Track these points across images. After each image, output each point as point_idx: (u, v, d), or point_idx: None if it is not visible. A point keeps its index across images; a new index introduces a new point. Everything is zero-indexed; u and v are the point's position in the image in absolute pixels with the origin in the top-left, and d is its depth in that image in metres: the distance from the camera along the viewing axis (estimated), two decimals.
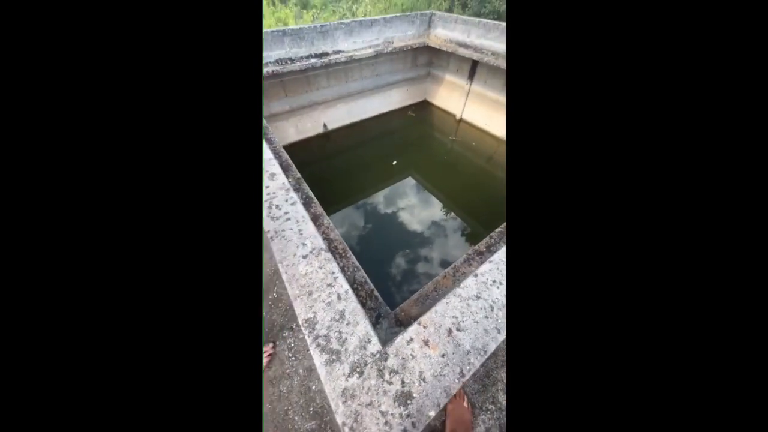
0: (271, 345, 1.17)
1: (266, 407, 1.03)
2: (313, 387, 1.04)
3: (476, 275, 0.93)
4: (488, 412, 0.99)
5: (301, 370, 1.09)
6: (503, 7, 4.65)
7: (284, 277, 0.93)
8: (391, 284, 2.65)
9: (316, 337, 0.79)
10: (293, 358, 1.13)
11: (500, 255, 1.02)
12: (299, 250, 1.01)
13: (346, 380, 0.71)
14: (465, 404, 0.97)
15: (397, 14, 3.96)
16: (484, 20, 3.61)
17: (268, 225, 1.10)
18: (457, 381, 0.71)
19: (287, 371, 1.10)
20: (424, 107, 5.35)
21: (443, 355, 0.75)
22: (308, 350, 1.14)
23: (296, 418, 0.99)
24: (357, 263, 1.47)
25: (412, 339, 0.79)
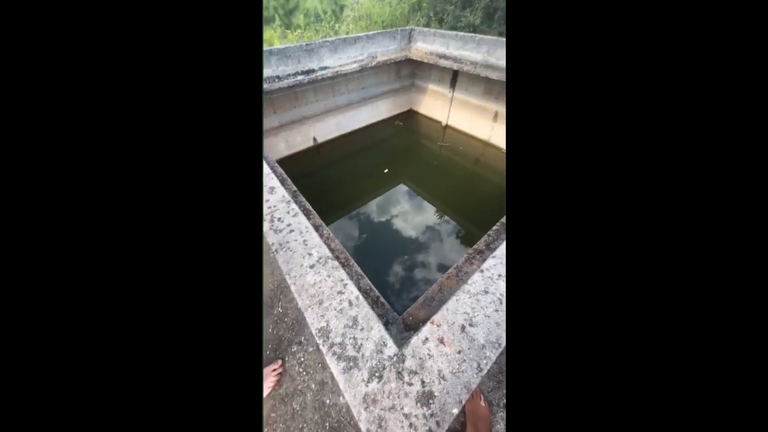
0: (279, 362, 1.14)
1: (280, 426, 0.99)
2: (328, 401, 1.02)
3: (482, 271, 0.96)
4: (505, 409, 0.99)
5: (313, 385, 1.06)
6: (477, 21, 4.94)
7: (293, 288, 0.92)
8: (390, 292, 2.63)
9: (332, 345, 0.78)
10: (304, 373, 1.10)
11: (501, 250, 1.05)
12: (305, 260, 1.01)
13: (366, 386, 0.70)
14: (482, 402, 0.97)
15: (379, 31, 4.14)
16: (461, 33, 3.82)
17: (271, 238, 1.09)
18: (476, 376, 0.71)
19: (299, 387, 1.06)
20: (410, 116, 5.50)
21: (459, 352, 0.76)
22: (319, 364, 1.11)
23: None
24: (360, 271, 1.47)
25: (427, 338, 0.79)
